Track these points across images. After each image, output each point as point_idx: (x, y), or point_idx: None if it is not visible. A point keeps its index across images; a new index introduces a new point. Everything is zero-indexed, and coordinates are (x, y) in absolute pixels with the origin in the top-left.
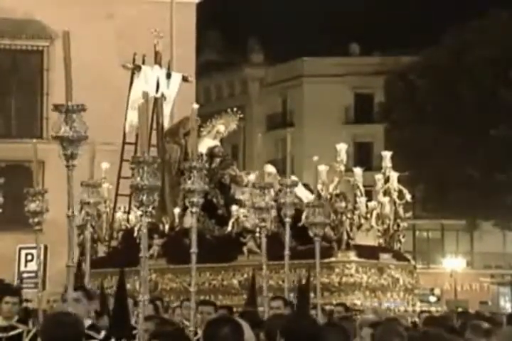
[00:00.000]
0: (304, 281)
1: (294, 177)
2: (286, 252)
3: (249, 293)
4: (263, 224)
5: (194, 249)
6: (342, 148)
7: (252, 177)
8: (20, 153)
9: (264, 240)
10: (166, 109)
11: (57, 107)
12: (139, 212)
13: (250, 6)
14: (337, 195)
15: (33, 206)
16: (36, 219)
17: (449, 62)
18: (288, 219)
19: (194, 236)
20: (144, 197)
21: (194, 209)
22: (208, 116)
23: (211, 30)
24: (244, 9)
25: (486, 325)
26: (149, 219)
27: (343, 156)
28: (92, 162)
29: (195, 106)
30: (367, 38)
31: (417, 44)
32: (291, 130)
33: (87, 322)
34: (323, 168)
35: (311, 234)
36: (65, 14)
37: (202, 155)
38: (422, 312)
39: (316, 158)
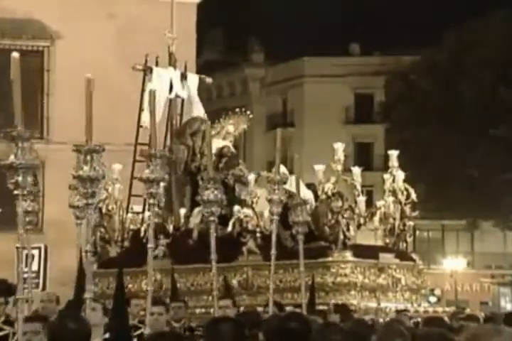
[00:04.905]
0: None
1: (294, 177)
2: (273, 252)
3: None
4: (212, 218)
5: (151, 244)
6: (339, 147)
7: (251, 176)
8: None
9: (213, 235)
10: (197, 111)
11: (77, 147)
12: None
13: (250, 6)
14: (333, 195)
15: (24, 205)
16: (28, 219)
17: (449, 62)
18: (276, 217)
19: (151, 232)
20: (20, 178)
21: (152, 201)
22: (208, 116)
23: (212, 30)
24: (245, 9)
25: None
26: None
27: (340, 155)
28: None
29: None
30: (367, 38)
31: (417, 44)
32: (290, 130)
33: None
34: (320, 168)
35: (293, 232)
36: (65, 14)
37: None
38: (425, 312)
39: (297, 156)
